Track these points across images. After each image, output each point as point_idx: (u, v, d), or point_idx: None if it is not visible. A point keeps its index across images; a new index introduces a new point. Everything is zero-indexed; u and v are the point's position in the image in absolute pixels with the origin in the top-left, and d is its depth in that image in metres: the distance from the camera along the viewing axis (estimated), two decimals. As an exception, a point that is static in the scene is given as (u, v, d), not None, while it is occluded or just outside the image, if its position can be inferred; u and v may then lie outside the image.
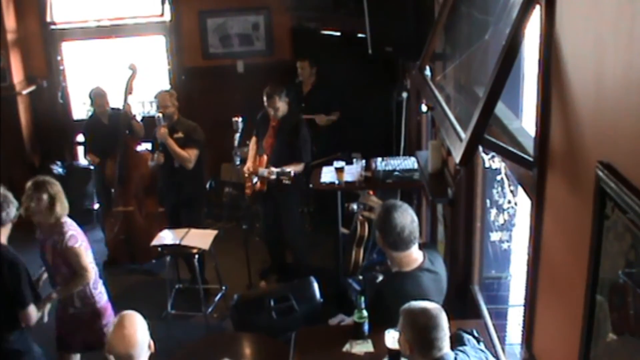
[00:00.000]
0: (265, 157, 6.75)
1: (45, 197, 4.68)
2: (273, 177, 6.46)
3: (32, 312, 4.46)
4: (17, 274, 4.36)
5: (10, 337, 4.50)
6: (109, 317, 5.04)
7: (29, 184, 4.73)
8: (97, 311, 4.99)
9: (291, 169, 6.49)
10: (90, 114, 7.98)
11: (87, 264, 4.84)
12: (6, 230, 4.50)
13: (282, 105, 6.67)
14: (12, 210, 4.49)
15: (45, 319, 4.78)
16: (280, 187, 6.58)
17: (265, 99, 6.67)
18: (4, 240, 4.49)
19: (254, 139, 7.08)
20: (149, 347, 3.44)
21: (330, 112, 7.90)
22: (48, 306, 4.78)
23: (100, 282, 5.09)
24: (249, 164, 6.92)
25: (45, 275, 5.00)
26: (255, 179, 6.76)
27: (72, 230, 4.84)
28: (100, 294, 5.06)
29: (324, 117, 7.77)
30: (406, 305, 3.21)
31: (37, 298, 4.55)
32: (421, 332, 3.10)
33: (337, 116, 7.97)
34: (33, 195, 4.68)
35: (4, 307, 4.40)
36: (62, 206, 4.78)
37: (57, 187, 4.77)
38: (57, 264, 4.83)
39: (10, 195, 4.52)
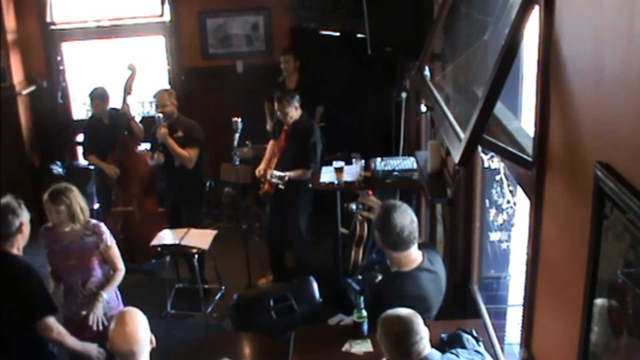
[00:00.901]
0: (275, 160, 6.79)
1: (63, 208, 4.62)
2: (274, 180, 6.49)
3: (50, 323, 4.30)
4: (28, 284, 4.25)
5: (39, 352, 4.40)
6: None
7: (45, 196, 4.66)
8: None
9: (294, 174, 6.52)
10: (90, 113, 7.99)
11: (120, 258, 4.92)
12: (16, 241, 4.36)
13: (291, 111, 6.67)
14: (16, 222, 4.34)
15: (104, 323, 4.69)
16: (289, 191, 6.65)
17: (275, 103, 6.71)
18: (16, 251, 4.38)
19: (271, 142, 7.12)
20: (151, 342, 3.46)
21: (315, 108, 7.91)
22: (100, 308, 4.72)
23: None
24: (260, 166, 6.96)
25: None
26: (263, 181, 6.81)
27: (107, 230, 4.88)
28: (118, 293, 5.08)
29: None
30: (381, 315, 3.24)
31: (53, 309, 4.38)
32: (397, 340, 3.12)
33: (321, 111, 7.99)
34: (51, 208, 4.64)
35: (28, 319, 4.29)
36: (83, 209, 4.74)
37: (72, 194, 4.69)
38: (92, 267, 4.80)
39: (14, 205, 4.38)
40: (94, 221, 4.88)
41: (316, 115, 7.98)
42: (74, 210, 4.66)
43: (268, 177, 6.62)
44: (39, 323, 4.27)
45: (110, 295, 4.90)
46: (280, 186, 6.50)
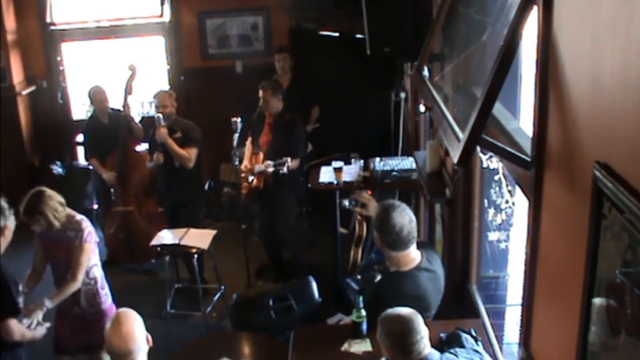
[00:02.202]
0: (261, 155, 6.80)
1: (39, 217, 4.62)
2: (271, 169, 6.48)
3: (12, 326, 4.28)
4: None
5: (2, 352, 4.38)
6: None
7: (21, 211, 4.61)
8: (102, 312, 4.96)
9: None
10: (90, 114, 7.99)
11: (83, 268, 4.78)
12: None
13: (273, 100, 6.73)
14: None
15: (42, 330, 4.65)
16: (277, 185, 6.66)
17: (260, 90, 6.75)
18: None
19: (249, 139, 7.12)
20: (147, 341, 3.48)
21: (310, 108, 7.92)
22: (40, 314, 4.62)
23: (106, 283, 5.08)
24: (245, 163, 6.96)
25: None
26: (251, 178, 6.79)
27: (88, 226, 4.84)
28: (106, 295, 5.05)
29: (309, 126, 7.83)
30: (382, 315, 3.25)
31: (15, 311, 4.36)
32: (397, 339, 3.13)
33: (317, 112, 8.01)
34: (31, 222, 4.66)
35: None
36: (61, 209, 4.72)
37: (45, 204, 4.63)
38: (70, 260, 4.79)
39: (3, 206, 4.38)
40: (79, 217, 4.85)
41: (312, 116, 7.99)
42: (50, 220, 4.64)
43: (263, 168, 6.62)
44: (1, 325, 4.25)
45: (95, 294, 4.92)
46: (283, 171, 6.47)
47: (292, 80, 7.92)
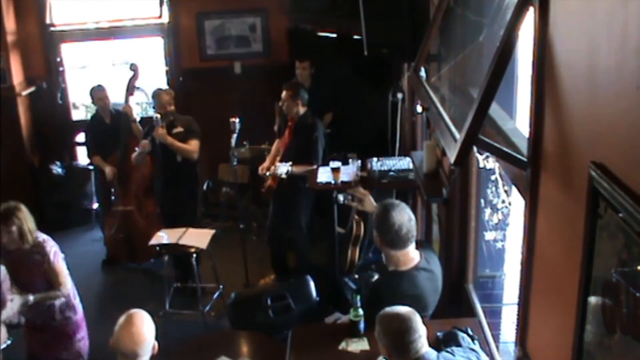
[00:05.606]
0: (279, 158, 6.85)
1: (14, 228, 4.62)
2: (278, 171, 6.53)
3: None
4: None
5: None
6: (84, 331, 5.04)
7: None
8: (77, 323, 4.97)
9: (296, 169, 6.56)
10: (90, 115, 8.00)
11: (65, 280, 4.83)
12: None
13: (291, 103, 6.76)
14: None
15: (15, 319, 4.71)
16: (291, 187, 6.72)
17: (284, 92, 6.80)
18: None
19: (277, 141, 7.21)
20: (153, 348, 3.49)
21: (324, 114, 7.94)
22: (18, 303, 4.67)
23: (77, 293, 5.06)
24: (265, 163, 6.99)
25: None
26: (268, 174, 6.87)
27: (53, 246, 4.82)
28: (78, 305, 5.04)
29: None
30: (380, 313, 3.26)
31: None
32: (395, 337, 3.14)
33: (330, 117, 8.02)
34: (3, 229, 4.62)
35: None
36: (32, 230, 4.72)
37: (22, 214, 4.68)
38: (36, 281, 4.79)
39: None
40: (41, 239, 4.82)
41: (324, 121, 7.99)
42: (24, 231, 4.65)
43: (272, 170, 6.66)
44: None
45: (69, 306, 4.91)
46: (283, 176, 6.53)
47: (310, 88, 7.91)
